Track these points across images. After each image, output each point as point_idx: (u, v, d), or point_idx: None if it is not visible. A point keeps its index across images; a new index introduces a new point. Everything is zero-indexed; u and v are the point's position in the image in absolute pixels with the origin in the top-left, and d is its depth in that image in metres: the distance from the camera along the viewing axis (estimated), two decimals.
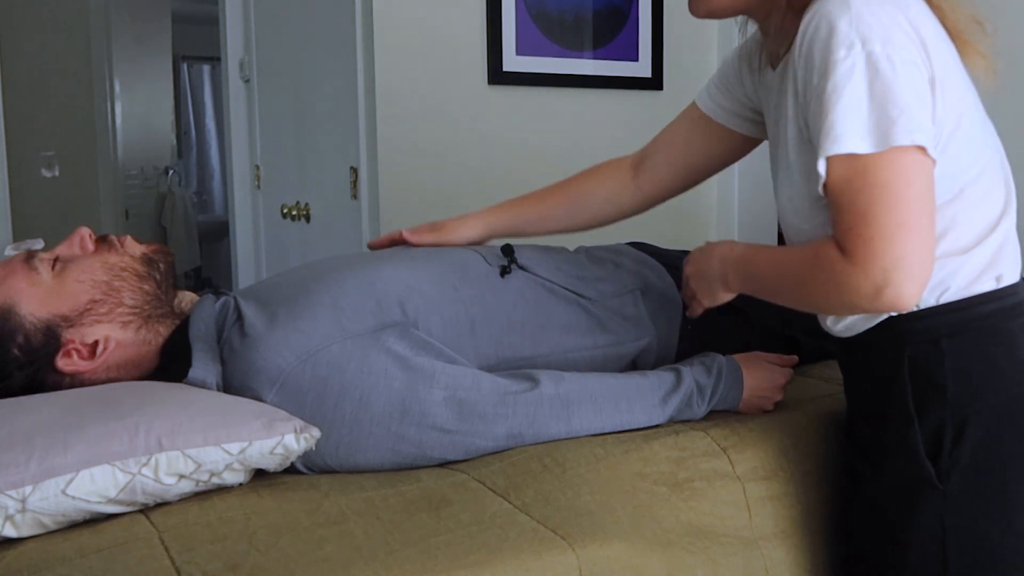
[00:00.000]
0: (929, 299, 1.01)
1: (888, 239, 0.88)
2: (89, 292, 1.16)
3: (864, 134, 0.91)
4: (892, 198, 0.89)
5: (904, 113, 0.90)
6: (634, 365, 1.33)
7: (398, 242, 1.41)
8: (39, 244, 1.21)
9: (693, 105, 1.34)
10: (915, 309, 1.01)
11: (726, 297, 1.17)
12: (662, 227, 2.18)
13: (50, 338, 1.13)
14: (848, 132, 0.91)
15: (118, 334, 1.17)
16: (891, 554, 1.06)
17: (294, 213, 2.78)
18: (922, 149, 0.91)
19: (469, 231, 1.43)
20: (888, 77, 0.90)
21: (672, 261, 1.44)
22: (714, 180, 2.77)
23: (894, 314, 1.02)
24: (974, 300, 1.00)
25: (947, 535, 1.01)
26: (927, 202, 0.91)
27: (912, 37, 0.93)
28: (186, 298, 1.26)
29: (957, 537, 1.01)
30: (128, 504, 0.96)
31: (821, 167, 0.93)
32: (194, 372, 1.11)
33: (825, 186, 0.94)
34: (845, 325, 1.07)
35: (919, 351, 1.02)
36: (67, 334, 1.14)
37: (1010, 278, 1.02)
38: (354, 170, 2.44)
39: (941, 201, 0.98)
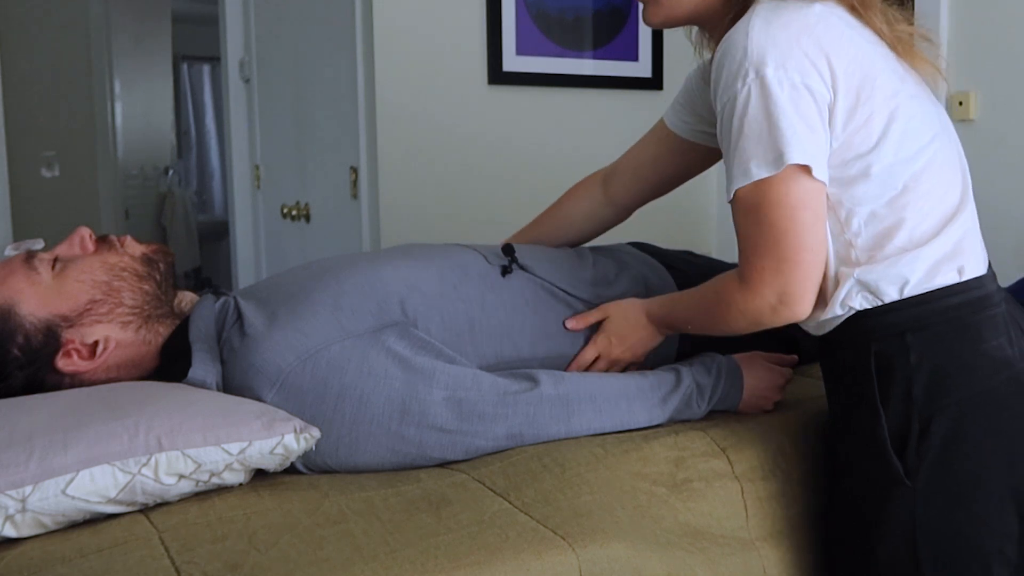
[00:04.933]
0: (892, 292, 1.02)
1: (775, 271, 1.01)
2: (89, 292, 1.16)
3: (765, 157, 0.98)
4: (778, 235, 1.00)
5: (795, 133, 0.97)
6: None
7: None
8: (39, 244, 1.21)
9: (661, 121, 1.42)
10: (879, 304, 1.03)
11: (661, 340, 1.27)
12: (662, 227, 2.18)
13: (50, 338, 1.13)
14: (753, 159, 0.99)
15: (118, 334, 1.17)
16: (865, 549, 1.06)
17: (294, 213, 2.78)
18: (808, 170, 0.98)
19: None
20: (780, 99, 0.97)
21: (672, 261, 1.45)
22: (714, 180, 2.78)
23: (860, 309, 1.04)
24: (937, 293, 1.02)
25: (918, 531, 1.01)
26: (812, 235, 1.01)
27: (811, 58, 0.98)
28: (186, 298, 1.26)
29: (927, 532, 1.01)
30: (128, 504, 0.96)
31: (730, 197, 1.03)
32: (194, 372, 1.11)
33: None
34: (816, 323, 1.09)
35: (885, 346, 1.03)
36: (67, 334, 1.14)
37: (973, 271, 1.04)
38: (354, 170, 2.44)
39: (886, 198, 1.02)
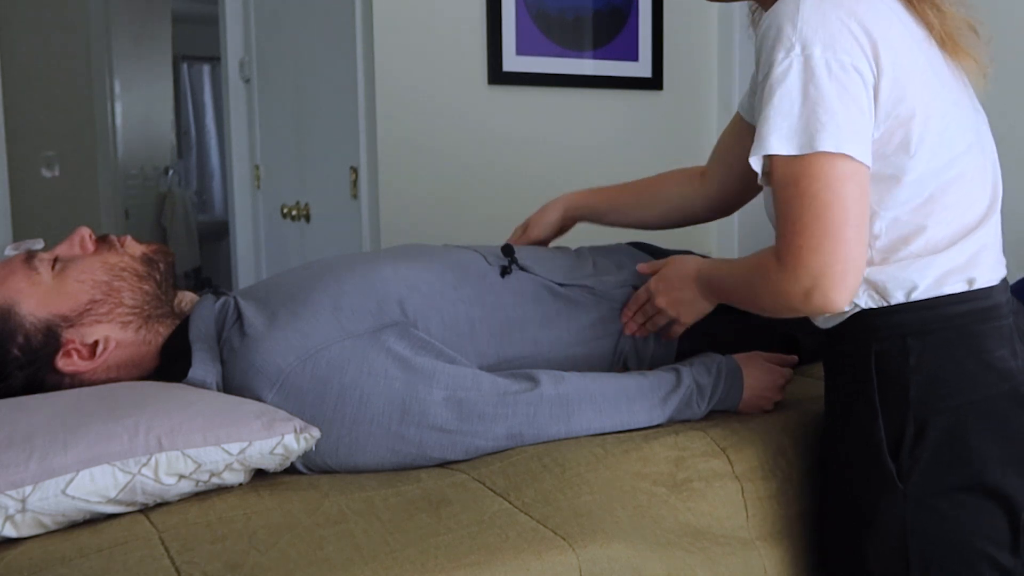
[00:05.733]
0: (899, 295, 1.01)
1: (814, 249, 0.94)
2: (89, 292, 1.16)
3: (790, 135, 0.95)
4: (820, 208, 0.94)
5: (834, 119, 0.93)
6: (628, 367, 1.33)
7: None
8: (39, 244, 1.21)
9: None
10: (884, 304, 1.02)
11: (708, 310, 1.23)
12: None
13: (50, 338, 1.13)
14: (774, 132, 0.95)
15: (118, 334, 1.17)
16: (856, 548, 1.06)
17: (294, 213, 2.78)
18: (848, 157, 0.94)
19: (552, 213, 1.54)
20: (823, 82, 0.94)
21: None
22: None
23: (865, 308, 1.03)
24: (944, 300, 1.01)
25: (908, 533, 1.01)
26: (857, 211, 0.95)
27: (860, 42, 0.95)
28: (186, 298, 1.26)
29: (917, 535, 1.01)
30: (128, 504, 0.97)
31: (754, 164, 0.98)
32: (194, 372, 1.11)
33: (769, 184, 0.99)
34: (823, 317, 1.08)
35: (886, 347, 1.03)
36: (67, 334, 1.14)
37: (984, 281, 1.02)
38: (354, 170, 2.44)
39: (911, 205, 1.00)
